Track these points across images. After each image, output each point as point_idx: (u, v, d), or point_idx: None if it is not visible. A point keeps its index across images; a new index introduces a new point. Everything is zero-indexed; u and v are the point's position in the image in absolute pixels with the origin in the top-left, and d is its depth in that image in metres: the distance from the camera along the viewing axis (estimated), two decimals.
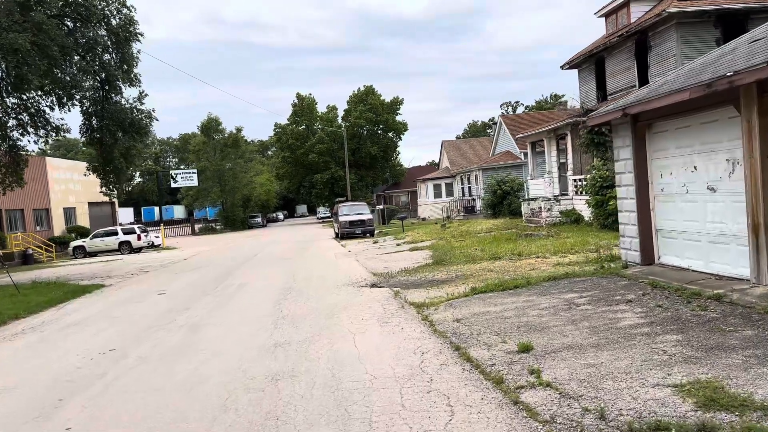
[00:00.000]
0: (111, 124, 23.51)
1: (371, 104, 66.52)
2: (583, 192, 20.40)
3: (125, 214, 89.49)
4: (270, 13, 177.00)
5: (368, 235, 32.10)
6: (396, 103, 68.56)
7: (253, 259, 23.54)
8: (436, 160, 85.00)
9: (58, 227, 45.25)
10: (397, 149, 70.88)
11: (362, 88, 68.99)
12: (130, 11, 23.66)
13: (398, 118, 68.95)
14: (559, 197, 21.65)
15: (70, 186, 48.50)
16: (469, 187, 37.91)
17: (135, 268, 24.83)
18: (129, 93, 24.09)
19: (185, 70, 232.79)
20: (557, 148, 23.23)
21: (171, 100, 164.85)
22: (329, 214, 59.11)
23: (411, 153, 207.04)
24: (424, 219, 48.48)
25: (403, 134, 69.85)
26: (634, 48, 21.58)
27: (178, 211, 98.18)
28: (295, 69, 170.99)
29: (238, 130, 66.68)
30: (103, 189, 25.14)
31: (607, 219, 17.68)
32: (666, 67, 19.42)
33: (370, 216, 32.94)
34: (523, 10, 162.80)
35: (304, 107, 69.03)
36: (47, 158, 45.31)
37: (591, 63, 24.85)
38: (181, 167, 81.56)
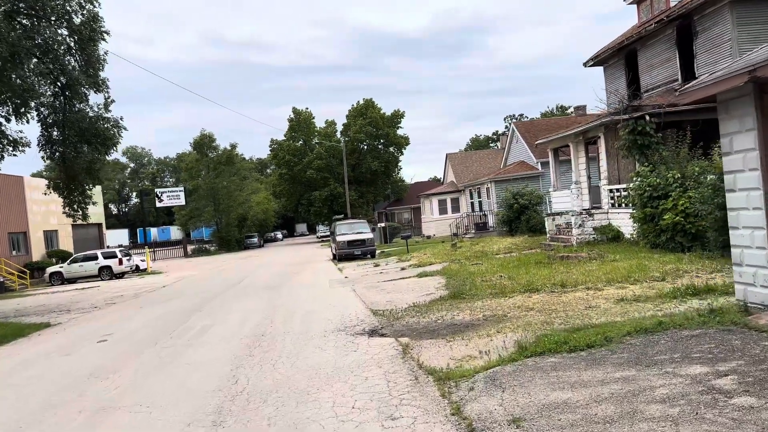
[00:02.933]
0: (72, 135, 20.52)
1: (371, 118, 63.66)
2: (624, 204, 17.21)
3: (118, 236, 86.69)
4: (270, 33, 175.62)
5: (369, 256, 28.91)
6: (397, 117, 65.68)
7: (235, 287, 20.33)
8: (439, 176, 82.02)
9: (38, 252, 42.11)
10: (399, 164, 67.88)
11: (361, 102, 66.21)
12: (94, 6, 20.74)
13: (399, 131, 66.04)
14: (592, 211, 18.44)
15: (52, 207, 45.29)
16: (480, 202, 34.67)
17: (104, 299, 21.85)
18: (94, 100, 20.71)
19: (186, 90, 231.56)
20: (586, 154, 20.07)
21: (171, 120, 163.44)
22: (329, 233, 55.99)
23: (413, 170, 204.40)
24: (429, 237, 45.25)
25: (405, 148, 66.89)
26: (675, 36, 18.55)
27: (175, 232, 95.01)
28: (296, 88, 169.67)
29: (233, 146, 63.80)
30: (67, 210, 22.03)
31: (658, 236, 14.46)
32: (719, 55, 16.35)
33: (370, 235, 29.77)
34: (524, 26, 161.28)
35: (301, 122, 66.20)
36: (25, 177, 42.33)
37: (620, 57, 21.82)
38: (168, 186, 78.49)
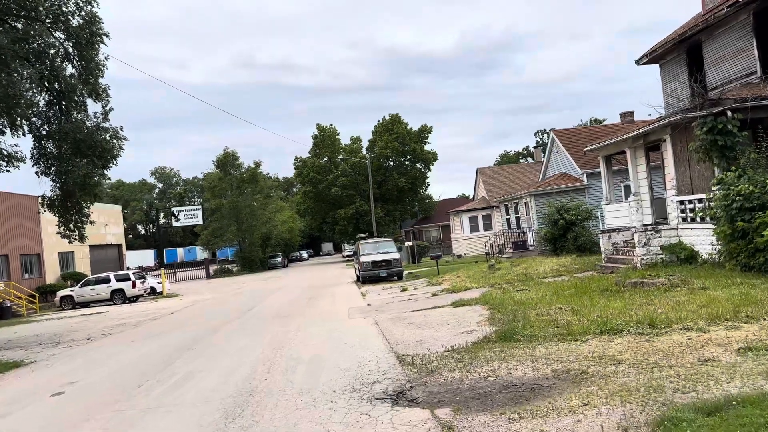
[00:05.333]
0: (67, 147, 18.61)
1: (398, 133, 61.43)
2: (700, 218, 14.34)
3: (141, 257, 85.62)
4: (301, 55, 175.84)
5: (395, 278, 26.33)
6: (424, 132, 63.30)
7: (244, 315, 17.96)
8: (467, 193, 79.22)
9: (52, 274, 40.67)
10: (427, 180, 65.26)
11: (387, 117, 64.10)
12: (93, 6, 18.92)
13: (427, 147, 63.59)
14: (659, 227, 15.56)
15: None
16: (517, 218, 31.78)
17: (104, 328, 19.90)
18: (94, 109, 18.78)
19: (219, 112, 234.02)
20: (647, 161, 17.24)
21: (205, 142, 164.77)
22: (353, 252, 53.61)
23: (441, 188, 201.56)
24: (459, 256, 42.46)
25: (433, 164, 64.37)
26: (752, 21, 15.76)
27: (201, 252, 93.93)
28: (326, 108, 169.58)
29: (257, 164, 62.04)
30: (62, 230, 20.04)
31: (752, 257, 11.62)
32: None
33: (397, 255, 27.18)
34: (554, 41, 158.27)
35: (325, 138, 64.32)
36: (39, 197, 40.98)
37: (680, 52, 19.05)
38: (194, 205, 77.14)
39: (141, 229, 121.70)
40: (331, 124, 65.65)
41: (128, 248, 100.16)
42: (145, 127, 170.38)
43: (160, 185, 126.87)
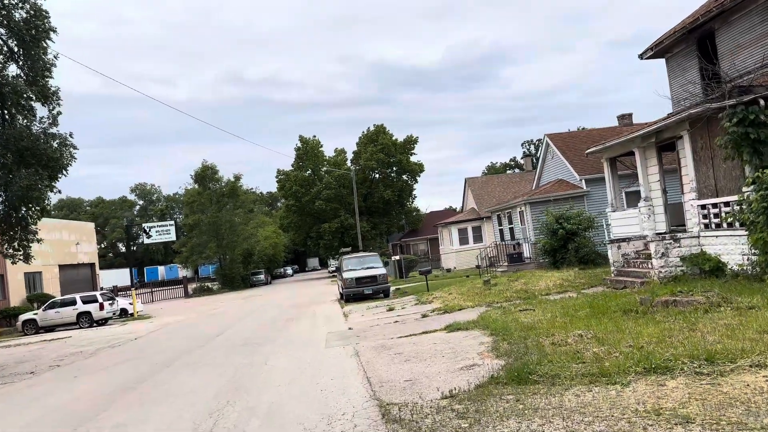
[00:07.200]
0: (9, 156, 16.49)
1: (383, 144, 59.64)
2: (728, 224, 12.54)
3: (117, 276, 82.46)
4: (290, 70, 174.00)
5: (381, 295, 24.32)
6: (410, 143, 61.58)
7: (209, 343, 15.83)
8: (455, 206, 77.57)
9: (17, 296, 38.05)
10: (413, 193, 63.43)
11: (372, 128, 62.35)
12: None
13: (413, 158, 61.83)
14: (677, 235, 13.74)
15: (35, 247, 41.63)
16: (511, 228, 29.88)
17: (56, 357, 17.91)
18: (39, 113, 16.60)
19: (206, 128, 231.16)
20: (659, 162, 15.44)
21: (191, 159, 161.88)
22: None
23: (428, 202, 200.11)
24: (449, 270, 40.52)
25: (419, 176, 62.57)
26: None
27: (184, 270, 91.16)
28: (314, 122, 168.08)
29: (237, 178, 59.82)
30: (5, 248, 17.83)
31: None
32: None
33: (383, 270, 25.18)
34: (540, 55, 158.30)
35: (308, 151, 62.32)
36: None
37: (690, 43, 17.40)
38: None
39: (122, 247, 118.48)
40: (315, 136, 63.81)
41: (108, 267, 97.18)
42: (130, 144, 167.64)
43: (141, 202, 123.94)
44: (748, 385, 5.61)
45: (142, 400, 8.98)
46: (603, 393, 5.93)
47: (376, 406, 6.74)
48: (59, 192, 18.10)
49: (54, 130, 17.22)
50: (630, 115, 29.43)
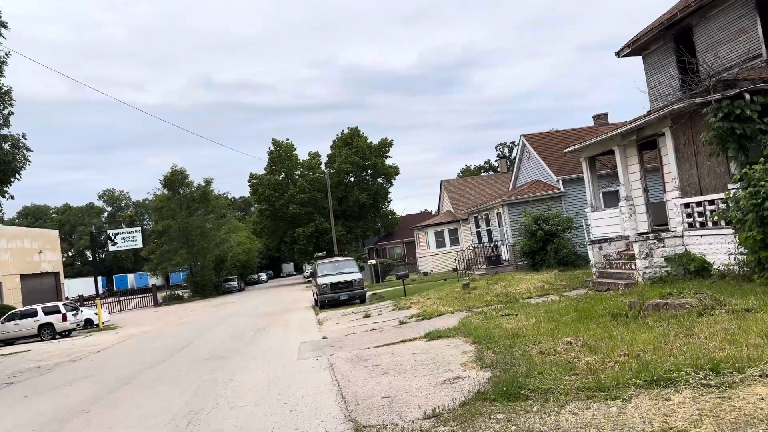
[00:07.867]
0: None
1: (357, 147, 58.97)
2: (714, 222, 12.16)
3: (83, 285, 79.98)
4: (263, 75, 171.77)
5: (357, 301, 23.63)
6: (385, 145, 61.04)
7: (174, 356, 14.93)
8: (430, 209, 77.24)
9: None
10: (389, 196, 62.88)
11: (346, 131, 61.64)
12: None
13: (388, 161, 61.32)
14: (661, 234, 13.34)
15: None
16: (489, 230, 29.45)
17: (13, 373, 17.17)
18: None
19: (179, 133, 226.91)
20: (640, 160, 15.08)
21: (162, 164, 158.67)
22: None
23: (404, 205, 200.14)
24: (426, 274, 39.98)
25: (395, 179, 62.07)
26: None
27: (153, 278, 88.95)
28: (288, 127, 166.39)
29: (207, 182, 58.53)
30: None
31: None
32: None
33: (359, 275, 24.51)
34: (511, 60, 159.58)
35: (281, 154, 61.31)
36: None
37: (667, 40, 17.13)
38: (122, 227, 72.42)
39: (89, 255, 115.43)
40: (288, 139, 62.82)
41: (76, 275, 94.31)
42: (101, 150, 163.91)
43: (109, 209, 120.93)
44: (762, 399, 5.06)
45: (90, 427, 8.11)
46: (603, 410, 5.33)
47: (352, 429, 6.04)
48: (12, 198, 17.04)
49: (5, 131, 16.19)
50: (606, 114, 29.33)
